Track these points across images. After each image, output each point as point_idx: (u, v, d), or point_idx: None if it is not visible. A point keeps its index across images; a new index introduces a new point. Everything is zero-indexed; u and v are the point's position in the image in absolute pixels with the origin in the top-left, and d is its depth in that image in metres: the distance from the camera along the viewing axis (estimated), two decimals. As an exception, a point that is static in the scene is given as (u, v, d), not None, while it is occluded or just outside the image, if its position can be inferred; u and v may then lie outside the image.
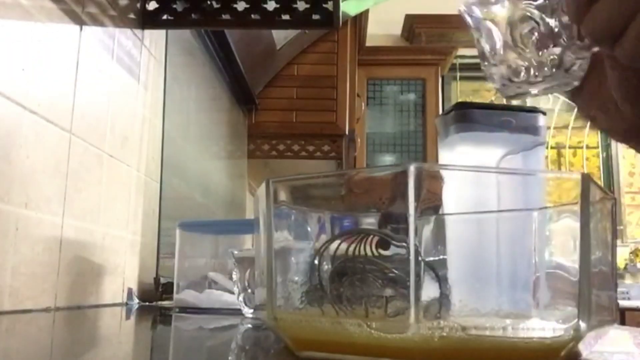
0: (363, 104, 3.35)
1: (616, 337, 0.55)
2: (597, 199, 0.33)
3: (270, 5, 1.27)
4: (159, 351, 0.51)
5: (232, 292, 0.88)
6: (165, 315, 0.92)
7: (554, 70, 0.38)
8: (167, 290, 1.21)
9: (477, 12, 0.40)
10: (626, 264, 3.79)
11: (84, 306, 0.98)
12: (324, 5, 1.26)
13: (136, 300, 1.18)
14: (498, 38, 0.39)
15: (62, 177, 0.92)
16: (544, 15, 0.38)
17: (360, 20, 2.93)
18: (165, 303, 1.15)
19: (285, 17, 1.27)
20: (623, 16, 0.30)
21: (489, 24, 0.39)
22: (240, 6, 1.27)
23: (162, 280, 1.26)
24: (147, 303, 1.18)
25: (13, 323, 0.68)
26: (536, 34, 0.38)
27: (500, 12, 0.39)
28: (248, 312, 0.77)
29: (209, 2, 1.28)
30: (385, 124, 3.53)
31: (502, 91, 0.40)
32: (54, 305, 0.89)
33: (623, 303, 3.13)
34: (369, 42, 3.36)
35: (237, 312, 0.80)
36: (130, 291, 1.18)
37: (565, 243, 0.33)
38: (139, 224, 1.25)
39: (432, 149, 3.43)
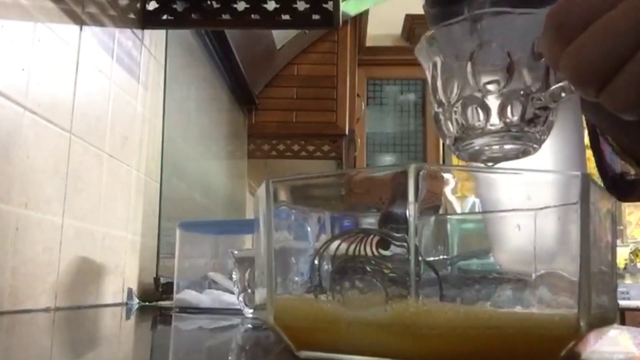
0: (363, 104, 3.35)
1: (616, 337, 0.55)
2: (597, 199, 0.33)
3: (270, 5, 1.27)
4: (159, 351, 0.51)
5: (232, 292, 0.87)
6: (165, 315, 0.92)
7: (515, 118, 0.33)
8: (167, 290, 1.21)
9: (435, 46, 0.36)
10: (626, 264, 3.78)
11: (84, 306, 0.98)
12: (324, 5, 1.26)
13: (136, 300, 1.18)
14: (458, 75, 0.34)
15: (62, 177, 0.92)
16: (513, 53, 0.33)
17: (360, 20, 2.92)
18: (165, 303, 1.15)
19: (285, 17, 1.27)
20: (615, 55, 0.24)
21: (448, 59, 0.35)
22: (240, 6, 1.27)
23: (162, 280, 1.26)
24: (147, 303, 1.18)
25: (13, 323, 0.68)
26: (501, 73, 0.33)
27: (464, 46, 0.34)
28: (248, 312, 0.77)
29: (209, 2, 1.28)
30: (385, 124, 3.53)
31: (456, 144, 0.36)
32: (54, 305, 0.89)
33: (623, 303, 3.13)
34: (369, 42, 3.36)
35: (237, 312, 0.80)
36: (130, 291, 1.18)
37: (566, 243, 0.33)
38: (139, 224, 1.25)
39: (432, 149, 3.43)
